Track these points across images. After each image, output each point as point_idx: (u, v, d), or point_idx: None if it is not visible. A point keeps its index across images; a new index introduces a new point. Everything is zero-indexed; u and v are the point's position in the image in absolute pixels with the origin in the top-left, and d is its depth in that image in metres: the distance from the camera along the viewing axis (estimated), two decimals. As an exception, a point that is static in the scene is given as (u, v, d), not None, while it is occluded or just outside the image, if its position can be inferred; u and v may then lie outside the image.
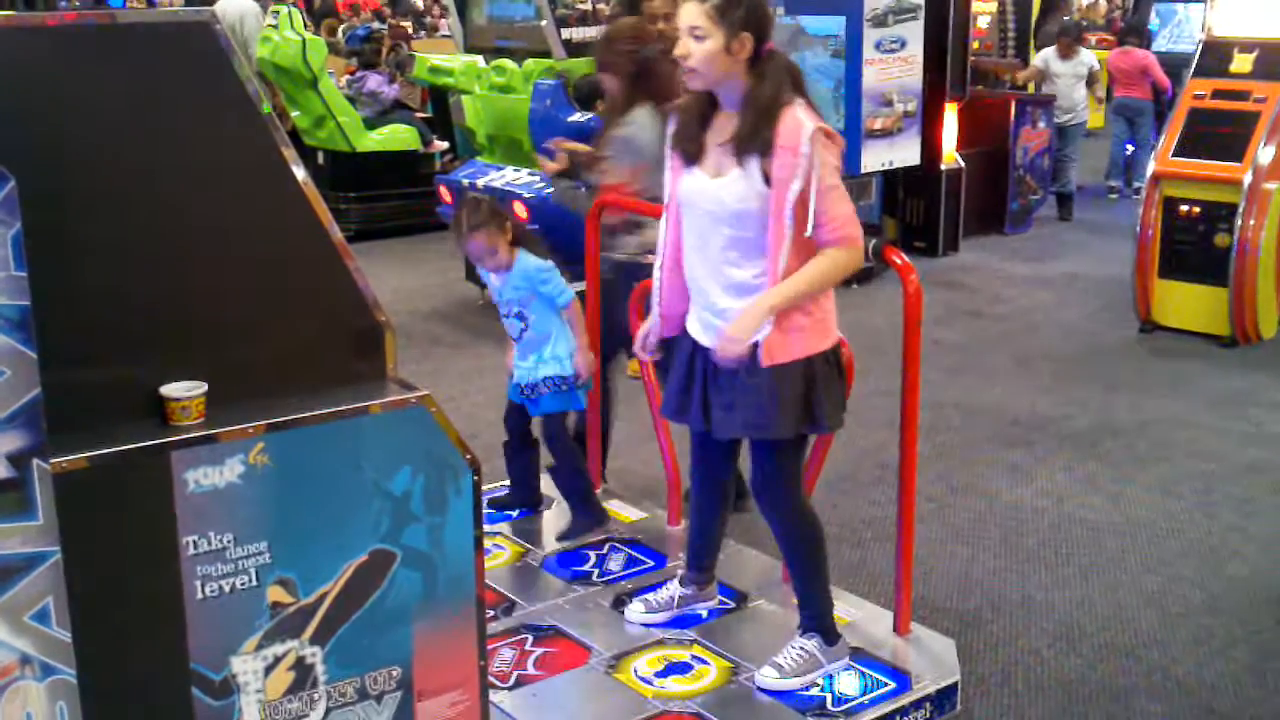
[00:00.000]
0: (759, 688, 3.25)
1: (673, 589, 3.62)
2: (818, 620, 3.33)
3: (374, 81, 10.23)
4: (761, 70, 2.95)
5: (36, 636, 1.90)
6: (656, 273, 3.30)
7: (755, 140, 2.92)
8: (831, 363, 3.11)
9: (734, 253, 3.04)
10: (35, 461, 1.85)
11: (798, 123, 2.90)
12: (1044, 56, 10.69)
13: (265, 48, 9.42)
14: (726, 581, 3.78)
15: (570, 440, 4.21)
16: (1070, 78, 10.40)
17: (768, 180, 2.93)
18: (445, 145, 10.22)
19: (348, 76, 10.59)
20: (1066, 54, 10.49)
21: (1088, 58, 10.59)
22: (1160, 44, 12.81)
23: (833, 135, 2.95)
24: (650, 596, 3.62)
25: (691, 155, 3.08)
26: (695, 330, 3.20)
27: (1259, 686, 3.59)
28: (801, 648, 3.30)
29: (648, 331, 3.36)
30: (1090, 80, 10.66)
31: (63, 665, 1.93)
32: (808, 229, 2.92)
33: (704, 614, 3.63)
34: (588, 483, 4.25)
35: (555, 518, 4.28)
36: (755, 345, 3.00)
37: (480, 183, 7.59)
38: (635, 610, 3.60)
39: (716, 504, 3.54)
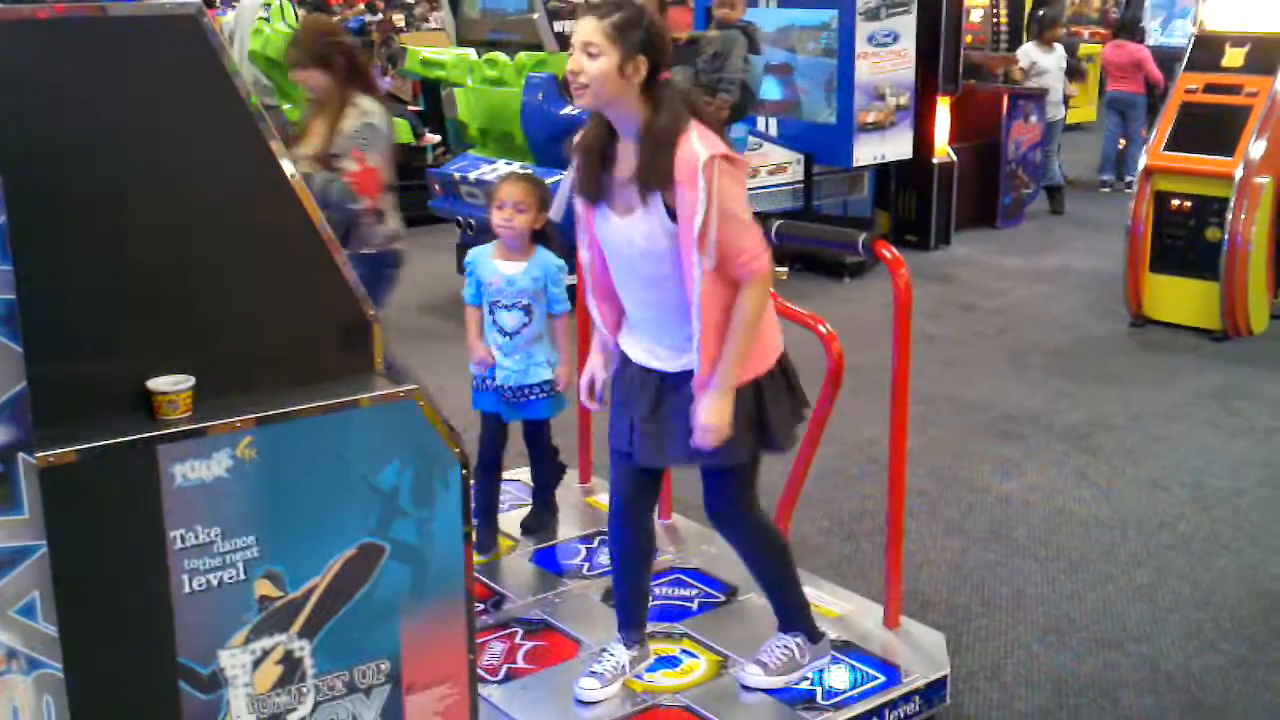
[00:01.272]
0: (743, 685, 3.24)
1: (619, 654, 3.30)
2: (797, 621, 3.32)
3: (365, 75, 10.21)
4: (658, 98, 2.84)
5: (22, 631, 1.90)
6: (594, 312, 3.16)
7: (654, 175, 2.82)
8: (777, 378, 3.02)
9: (657, 290, 2.95)
10: (21, 455, 1.85)
11: (693, 154, 2.78)
12: (1025, 51, 10.69)
13: (257, 40, 9.40)
14: (716, 575, 3.79)
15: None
16: (1056, 71, 10.41)
17: (673, 215, 2.83)
18: (437, 139, 10.21)
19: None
20: (1048, 46, 10.49)
21: (1061, 49, 10.60)
22: (1151, 38, 12.83)
23: (733, 159, 2.84)
24: (598, 669, 3.26)
25: (594, 197, 2.98)
26: (639, 357, 3.07)
27: (1248, 680, 3.60)
28: (784, 645, 3.29)
29: (590, 379, 3.24)
30: (1070, 72, 10.67)
31: (49, 659, 1.93)
32: (709, 261, 2.80)
33: (694, 607, 3.63)
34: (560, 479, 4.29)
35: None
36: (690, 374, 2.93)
37: (472, 176, 7.59)
38: (588, 687, 3.21)
39: (646, 543, 3.30)
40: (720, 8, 7.32)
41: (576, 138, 3.05)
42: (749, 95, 7.22)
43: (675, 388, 2.99)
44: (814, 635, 3.33)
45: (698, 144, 2.79)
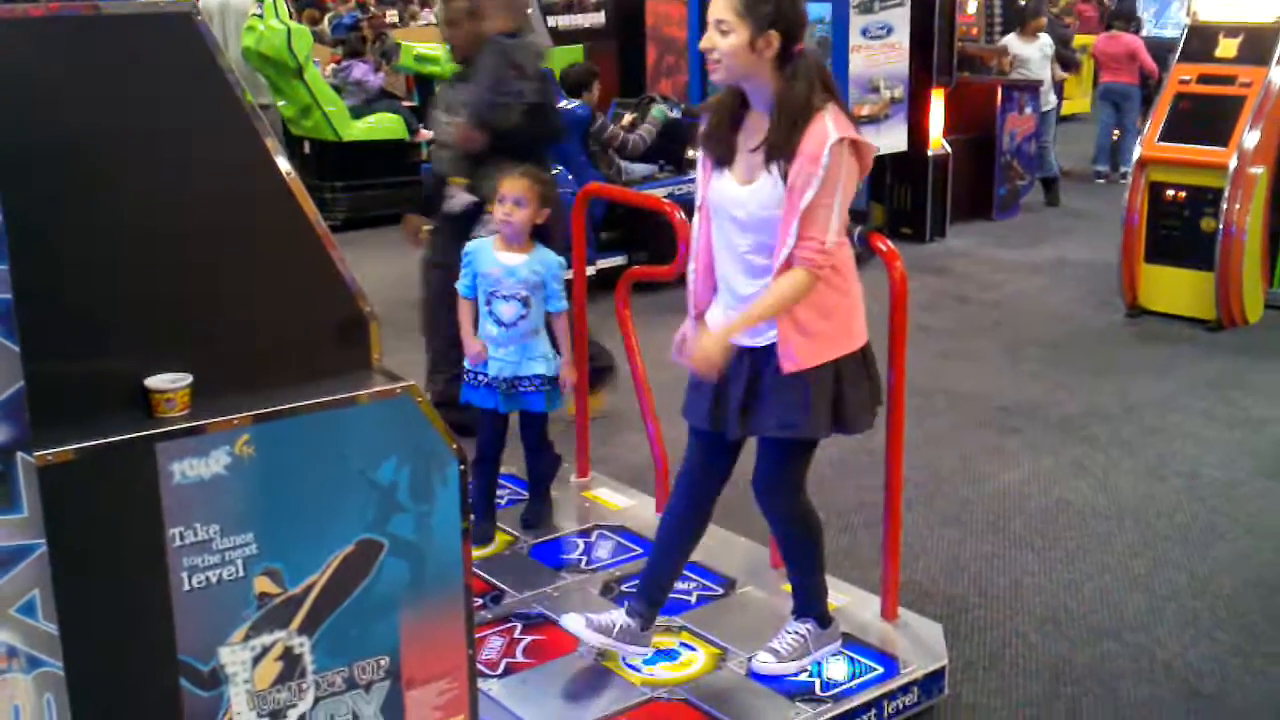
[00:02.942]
0: (755, 674, 3.26)
1: (617, 617, 3.31)
2: (813, 606, 3.35)
3: (360, 70, 10.21)
4: (792, 71, 2.89)
5: (23, 629, 1.90)
6: (690, 275, 3.21)
7: (784, 146, 2.87)
8: (858, 363, 3.07)
9: (758, 256, 3.00)
10: (20, 454, 1.85)
11: (824, 132, 2.83)
12: (1008, 42, 10.68)
13: (250, 37, 9.38)
14: (715, 568, 3.80)
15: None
16: (1040, 60, 10.39)
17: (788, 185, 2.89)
18: (431, 134, 10.19)
19: (333, 65, 10.57)
20: (1030, 36, 10.48)
21: (1046, 39, 10.59)
22: (1145, 29, 12.84)
23: (861, 146, 2.89)
24: (593, 616, 3.31)
25: (721, 158, 3.03)
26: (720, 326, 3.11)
27: (1245, 669, 3.61)
28: (796, 632, 3.31)
29: (683, 335, 3.24)
30: (1064, 63, 10.66)
31: (50, 658, 1.93)
32: (791, 237, 2.87)
33: (692, 600, 3.64)
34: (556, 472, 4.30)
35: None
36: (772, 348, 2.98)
37: (467, 171, 7.56)
38: (573, 621, 3.29)
39: (701, 520, 3.30)
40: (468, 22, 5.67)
41: (711, 100, 3.12)
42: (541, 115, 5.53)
43: (760, 362, 3.03)
44: (825, 621, 3.35)
45: (831, 124, 2.85)
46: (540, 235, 3.93)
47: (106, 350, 2.13)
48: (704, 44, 2.91)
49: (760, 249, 2.98)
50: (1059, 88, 10.76)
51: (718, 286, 3.15)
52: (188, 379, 2.14)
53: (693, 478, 3.27)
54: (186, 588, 2.13)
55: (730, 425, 3.08)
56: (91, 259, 2.11)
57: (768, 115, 2.93)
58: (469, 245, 3.98)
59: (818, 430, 3.05)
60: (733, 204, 3.00)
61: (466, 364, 3.96)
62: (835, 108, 2.90)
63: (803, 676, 3.25)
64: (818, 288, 2.94)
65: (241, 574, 2.18)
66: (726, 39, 2.86)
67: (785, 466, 3.18)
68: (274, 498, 2.19)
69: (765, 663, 3.27)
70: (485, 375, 3.92)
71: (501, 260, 3.88)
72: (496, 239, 3.92)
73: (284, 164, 2.27)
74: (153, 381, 2.12)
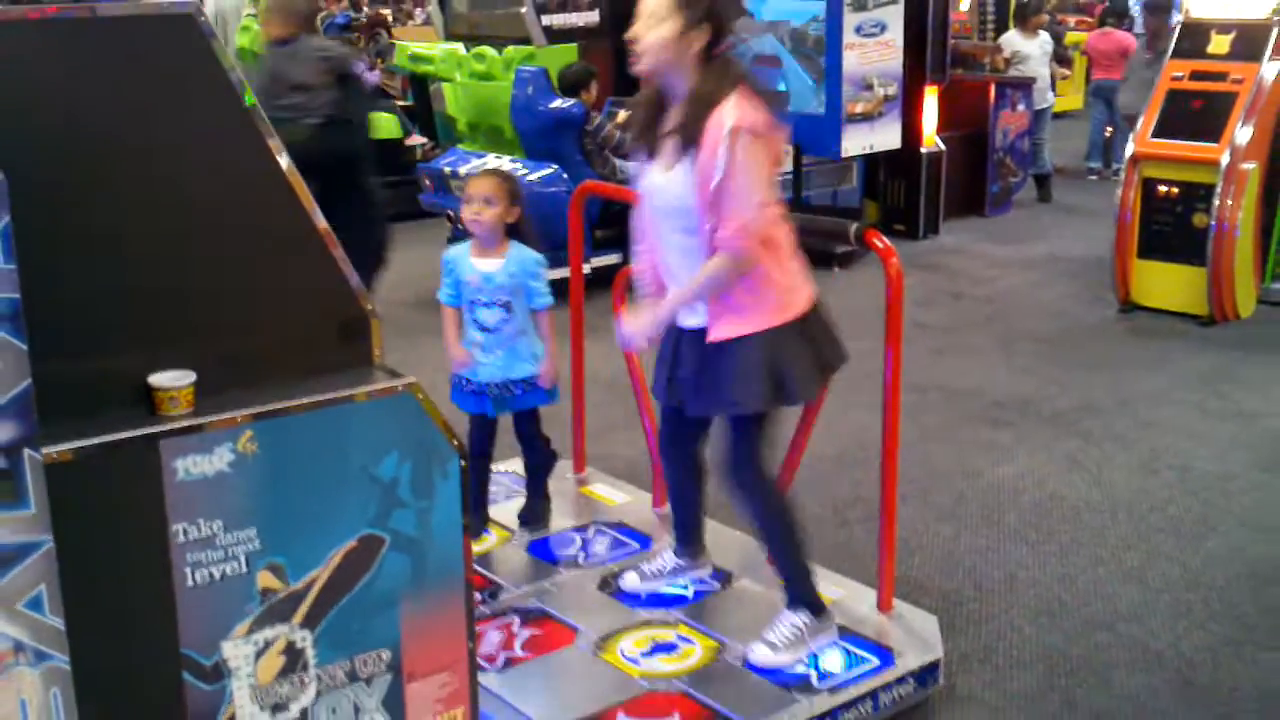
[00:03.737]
0: (751, 665, 3.29)
1: (667, 558, 3.70)
2: (803, 595, 3.38)
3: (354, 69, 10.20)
4: (711, 68, 2.99)
5: (30, 624, 1.92)
6: (637, 262, 3.38)
7: (689, 134, 2.97)
8: (795, 334, 3.13)
9: (686, 245, 3.11)
10: (27, 451, 1.87)
11: (721, 120, 2.92)
12: (1008, 39, 10.71)
13: (245, 36, 9.40)
14: (711, 562, 3.82)
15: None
16: (1040, 57, 10.43)
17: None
18: (423, 140, 10.21)
19: (328, 64, 10.56)
20: (1031, 33, 10.51)
21: (1046, 36, 10.62)
22: (1139, 26, 12.87)
23: (761, 134, 2.95)
24: (645, 566, 3.71)
25: (645, 148, 3.16)
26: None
27: (1237, 659, 3.65)
28: (792, 624, 3.34)
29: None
30: (1057, 59, 10.69)
31: (56, 652, 1.95)
32: (712, 223, 2.97)
33: (689, 594, 3.67)
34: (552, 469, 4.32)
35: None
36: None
37: (462, 171, 7.61)
38: (630, 580, 3.68)
39: (687, 477, 3.61)
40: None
41: (637, 96, 3.26)
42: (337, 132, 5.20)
43: (695, 342, 3.15)
44: (817, 609, 3.39)
45: (730, 111, 2.92)
46: (515, 233, 3.91)
47: (110, 349, 2.15)
48: (631, 33, 3.01)
49: (687, 234, 3.09)
50: (1054, 84, 10.80)
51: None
52: (191, 377, 2.16)
53: (663, 446, 3.61)
54: (190, 583, 2.15)
55: (685, 402, 3.27)
56: (95, 259, 2.13)
57: (680, 105, 3.05)
58: (448, 253, 3.95)
59: (751, 404, 3.13)
60: (656, 192, 3.14)
61: (455, 370, 3.96)
62: (740, 97, 2.95)
63: (799, 668, 3.28)
64: (709, 260, 3.04)
65: (244, 569, 2.20)
66: (658, 29, 2.95)
67: (735, 441, 3.25)
68: (276, 494, 2.21)
69: (762, 654, 3.31)
70: (471, 383, 3.93)
71: (478, 267, 3.86)
72: (472, 244, 3.90)
73: (284, 162, 2.29)
74: (156, 379, 2.14)
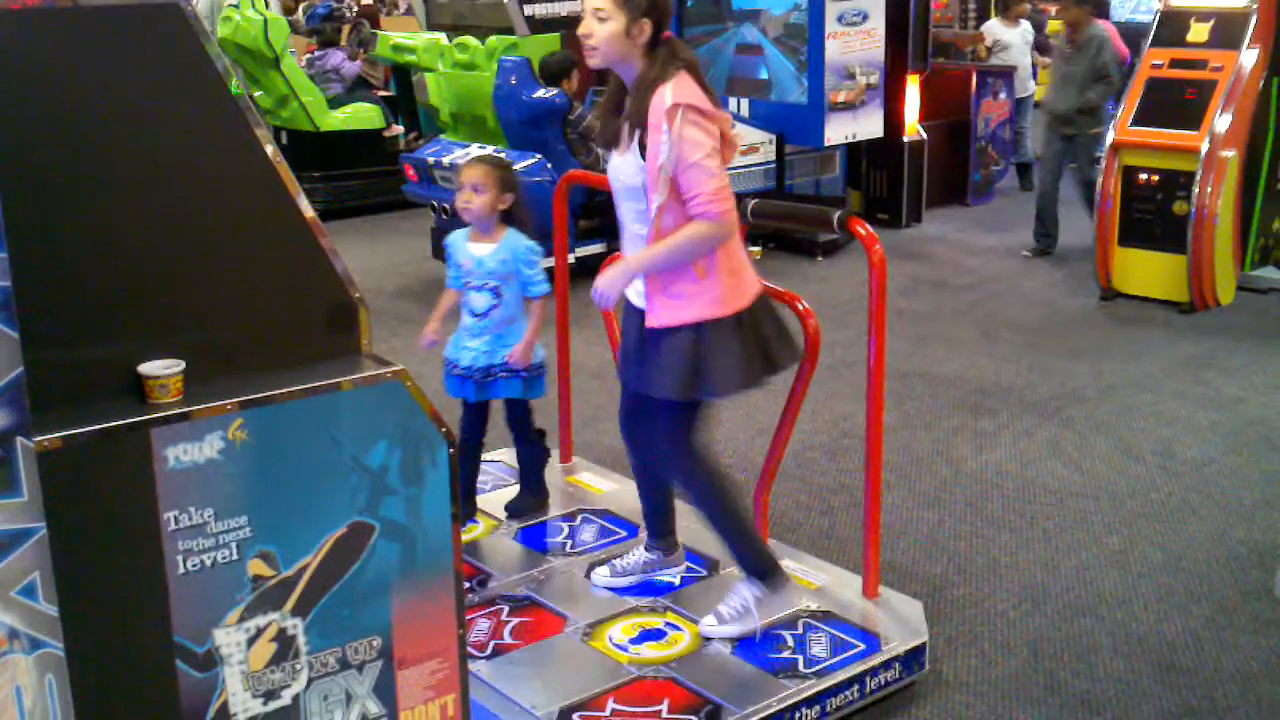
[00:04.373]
0: (704, 636, 3.37)
1: (639, 554, 3.71)
2: (752, 562, 3.44)
3: (335, 59, 10.19)
4: (656, 55, 3.13)
5: (24, 611, 1.93)
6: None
7: (634, 117, 3.12)
8: (728, 329, 3.17)
9: (641, 225, 3.21)
10: (19, 439, 1.88)
11: (662, 100, 3.05)
12: (990, 27, 10.73)
13: (226, 27, 9.37)
14: (697, 550, 3.84)
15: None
16: (1021, 45, 10.45)
17: (645, 155, 3.11)
18: (401, 130, 10.20)
19: (309, 55, 10.55)
20: (1012, 22, 10.53)
21: (1027, 25, 10.64)
22: (1119, 13, 12.92)
23: (702, 110, 3.07)
24: (617, 562, 3.72)
25: (606, 138, 3.29)
26: (629, 293, 3.33)
27: (1217, 642, 3.69)
28: (740, 595, 3.43)
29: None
30: (1039, 48, 10.71)
31: (50, 639, 1.97)
32: (658, 199, 3.07)
33: (676, 581, 3.69)
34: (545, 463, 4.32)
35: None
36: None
37: (445, 160, 7.60)
38: (601, 574, 3.70)
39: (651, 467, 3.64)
40: None
41: (606, 86, 3.41)
42: None
43: (640, 320, 3.26)
44: (768, 572, 3.44)
45: (670, 91, 3.06)
46: (510, 220, 3.94)
47: (100, 337, 2.16)
48: (582, 30, 3.17)
49: (639, 214, 3.22)
50: (1035, 73, 10.83)
51: None
52: (180, 365, 2.17)
53: (622, 424, 3.62)
54: (181, 570, 2.16)
55: (631, 379, 3.40)
56: (84, 248, 2.13)
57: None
58: (449, 236, 4.01)
59: (668, 390, 3.20)
60: (613, 174, 3.28)
61: (445, 354, 3.99)
62: (682, 79, 3.09)
63: (785, 653, 3.30)
64: (683, 228, 3.10)
65: (235, 557, 2.21)
66: (604, 26, 3.11)
67: (658, 423, 3.34)
68: (267, 482, 2.22)
69: (708, 624, 3.40)
70: (456, 366, 3.95)
71: (471, 251, 3.91)
72: (470, 229, 3.95)
73: (272, 152, 2.30)
74: (146, 368, 2.15)
